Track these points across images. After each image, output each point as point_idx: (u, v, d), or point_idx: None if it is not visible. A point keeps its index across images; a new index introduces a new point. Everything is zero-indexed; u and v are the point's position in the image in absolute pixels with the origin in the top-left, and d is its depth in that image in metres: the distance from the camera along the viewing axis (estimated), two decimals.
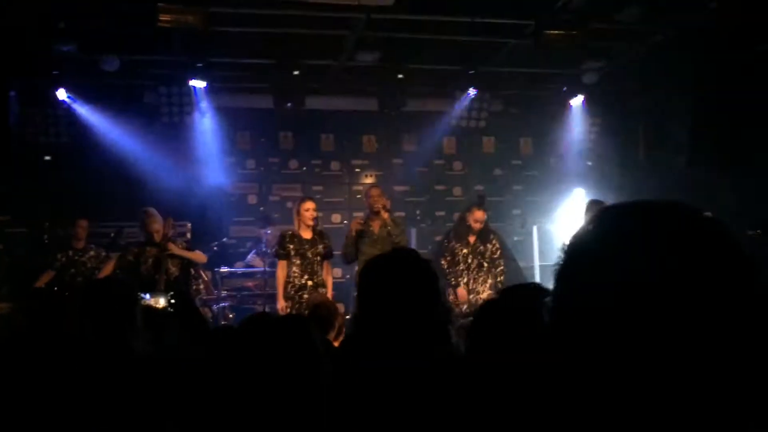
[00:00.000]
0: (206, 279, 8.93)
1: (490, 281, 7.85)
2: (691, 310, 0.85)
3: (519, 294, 2.01)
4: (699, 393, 0.85)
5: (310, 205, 7.97)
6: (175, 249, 7.78)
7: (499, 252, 8.01)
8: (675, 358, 0.85)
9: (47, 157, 9.94)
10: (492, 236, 8.04)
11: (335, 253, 8.07)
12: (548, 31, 8.15)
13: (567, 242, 0.98)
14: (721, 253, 0.90)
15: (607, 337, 0.87)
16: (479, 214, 7.91)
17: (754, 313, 0.87)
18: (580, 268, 0.94)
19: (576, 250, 0.95)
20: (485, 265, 7.86)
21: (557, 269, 0.97)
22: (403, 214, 10.36)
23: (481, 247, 7.89)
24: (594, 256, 0.93)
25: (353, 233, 7.78)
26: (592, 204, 8.35)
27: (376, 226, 7.79)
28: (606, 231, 0.94)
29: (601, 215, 0.97)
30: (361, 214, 8.76)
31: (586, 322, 0.90)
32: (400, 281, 2.09)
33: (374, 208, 7.79)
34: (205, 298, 8.78)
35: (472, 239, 7.93)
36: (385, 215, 7.70)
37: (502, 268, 7.98)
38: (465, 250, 7.87)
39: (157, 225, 7.83)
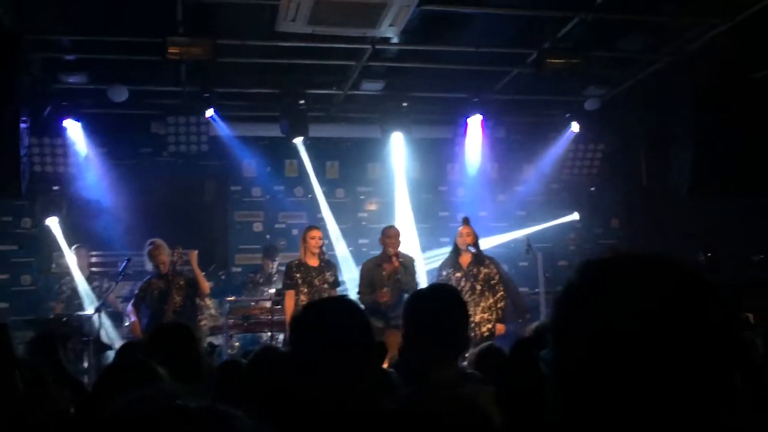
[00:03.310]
0: (211, 309, 8.96)
1: (483, 304, 7.74)
2: (668, 361, 0.91)
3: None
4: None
5: (316, 233, 8.00)
6: (193, 259, 8.02)
7: (497, 277, 7.88)
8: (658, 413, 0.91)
9: (56, 188, 10.02)
10: (487, 260, 7.98)
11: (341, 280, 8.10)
12: (550, 60, 8.25)
13: (555, 298, 1.03)
14: (693, 307, 0.94)
15: (595, 387, 0.93)
16: (465, 230, 7.88)
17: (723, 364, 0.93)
18: (565, 321, 1.00)
19: (562, 305, 1.02)
20: (478, 288, 7.75)
21: (550, 323, 1.03)
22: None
23: (474, 270, 7.79)
24: (576, 310, 0.99)
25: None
26: None
27: (388, 269, 7.69)
28: (590, 286, 1.00)
29: (583, 270, 1.02)
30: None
31: (576, 376, 0.95)
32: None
33: (389, 251, 7.68)
34: (211, 326, 8.81)
35: (465, 263, 7.86)
36: (396, 264, 7.61)
37: (502, 293, 7.83)
38: (458, 274, 7.81)
39: (164, 256, 7.95)
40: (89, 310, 8.55)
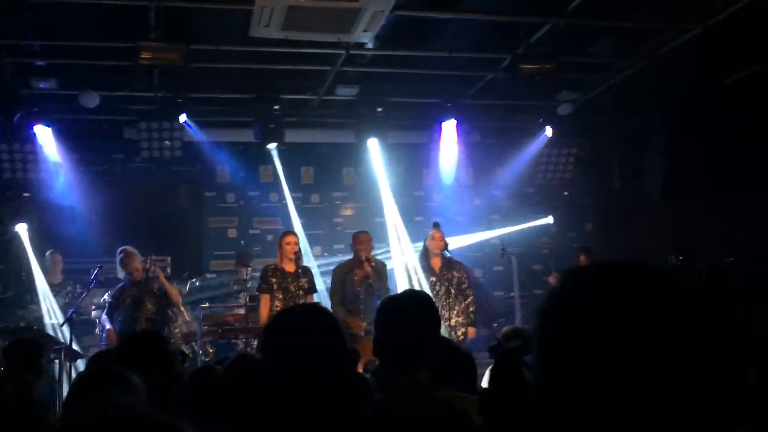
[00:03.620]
0: (185, 316, 8.89)
1: (457, 308, 7.84)
2: (651, 364, 0.93)
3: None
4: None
5: (291, 238, 7.99)
6: (161, 274, 8.02)
7: (467, 281, 8.03)
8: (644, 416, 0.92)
9: (26, 194, 9.89)
10: (458, 265, 8.08)
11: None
12: (523, 65, 8.30)
13: (539, 305, 1.05)
14: (671, 312, 0.97)
15: (581, 393, 0.94)
16: (438, 234, 7.97)
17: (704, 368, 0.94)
18: (549, 328, 1.02)
19: (546, 313, 1.03)
20: (452, 291, 7.86)
21: (534, 329, 1.04)
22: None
23: (448, 274, 7.90)
24: (560, 317, 1.01)
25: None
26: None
27: (360, 274, 7.70)
28: (571, 294, 1.02)
29: (567, 278, 1.05)
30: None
31: (560, 382, 0.97)
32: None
33: (361, 256, 7.70)
34: (186, 331, 8.74)
35: (437, 266, 7.93)
36: (368, 269, 7.63)
37: (472, 297, 7.98)
38: (433, 278, 7.90)
39: (136, 264, 7.89)
40: (50, 318, 8.47)
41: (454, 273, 7.93)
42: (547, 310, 1.02)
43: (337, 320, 2.12)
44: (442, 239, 7.96)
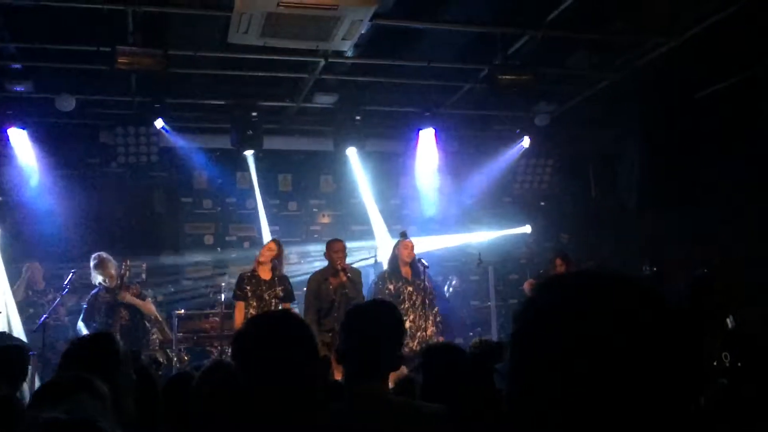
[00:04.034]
0: (162, 323, 8.82)
1: (431, 318, 7.84)
2: (628, 371, 0.94)
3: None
4: None
5: (269, 245, 8.01)
6: (127, 297, 7.81)
7: (433, 291, 8.06)
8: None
9: (0, 198, 9.77)
10: (422, 273, 8.05)
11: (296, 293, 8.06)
12: (501, 76, 8.34)
13: (515, 312, 1.06)
14: (645, 319, 0.98)
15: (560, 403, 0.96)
16: (409, 243, 7.97)
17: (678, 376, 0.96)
18: (525, 336, 1.03)
19: (521, 321, 1.04)
20: (426, 301, 7.86)
21: (510, 338, 1.05)
22: None
23: (420, 284, 7.89)
24: (535, 326, 1.02)
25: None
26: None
27: (334, 283, 7.63)
28: (548, 303, 1.03)
29: (541, 288, 1.06)
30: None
31: (535, 389, 0.98)
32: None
33: (336, 265, 7.65)
34: (161, 339, 8.68)
35: (408, 275, 7.91)
36: (344, 278, 7.58)
37: (437, 308, 8.03)
38: (410, 288, 7.86)
39: (110, 270, 7.80)
40: (8, 325, 8.40)
41: (426, 282, 7.93)
42: (523, 318, 1.03)
43: (308, 327, 2.12)
44: (413, 248, 7.98)
